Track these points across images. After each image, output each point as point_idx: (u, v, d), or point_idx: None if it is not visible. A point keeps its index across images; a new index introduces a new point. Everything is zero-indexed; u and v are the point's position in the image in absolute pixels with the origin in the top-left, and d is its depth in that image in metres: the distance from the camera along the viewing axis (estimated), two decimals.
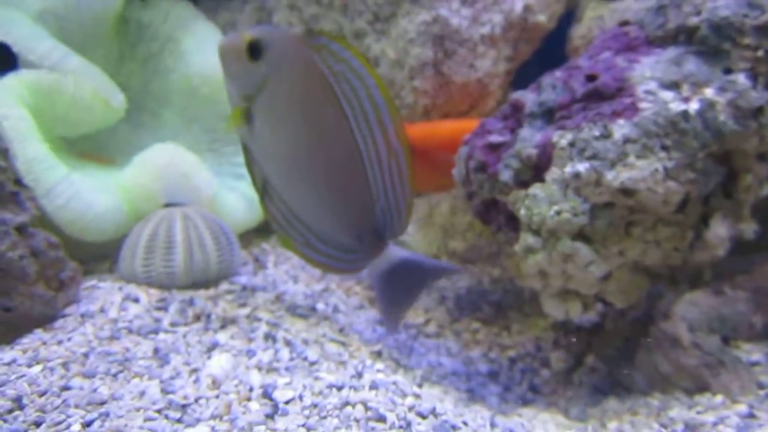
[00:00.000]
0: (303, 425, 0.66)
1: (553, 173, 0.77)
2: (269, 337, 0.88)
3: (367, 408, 0.70)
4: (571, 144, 0.75)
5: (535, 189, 0.78)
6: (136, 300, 0.92)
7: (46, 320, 0.83)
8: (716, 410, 0.73)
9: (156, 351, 0.79)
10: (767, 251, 0.84)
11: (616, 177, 0.72)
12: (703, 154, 0.72)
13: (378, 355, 0.91)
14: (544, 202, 0.77)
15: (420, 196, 1.24)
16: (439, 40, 1.15)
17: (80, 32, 1.17)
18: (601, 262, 0.77)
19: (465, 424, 0.70)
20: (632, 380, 0.84)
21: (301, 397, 0.71)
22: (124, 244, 1.02)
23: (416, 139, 0.95)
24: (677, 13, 0.78)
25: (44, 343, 0.78)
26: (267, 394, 0.72)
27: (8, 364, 0.73)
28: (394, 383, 0.78)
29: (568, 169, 0.75)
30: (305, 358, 0.83)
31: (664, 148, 0.71)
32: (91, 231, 1.01)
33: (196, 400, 0.70)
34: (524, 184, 0.79)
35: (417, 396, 0.76)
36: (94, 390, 0.70)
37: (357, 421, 0.67)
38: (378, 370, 0.83)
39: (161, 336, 0.84)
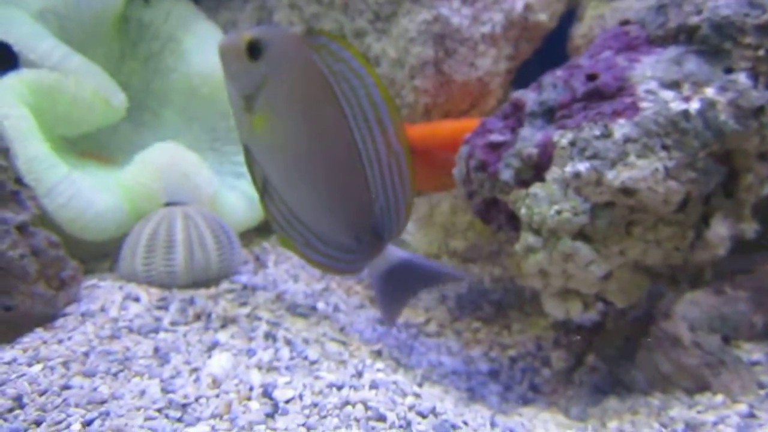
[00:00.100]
0: (303, 425, 0.66)
1: (553, 173, 0.77)
2: (269, 336, 0.88)
3: (367, 407, 0.70)
4: (572, 143, 0.75)
5: (536, 188, 0.78)
6: (137, 299, 0.92)
7: (46, 319, 0.84)
8: (717, 410, 0.73)
9: (156, 350, 0.79)
10: None
11: (616, 176, 0.72)
12: (703, 154, 0.72)
13: (378, 354, 0.91)
14: (544, 202, 0.76)
15: (420, 196, 1.24)
16: (439, 39, 1.14)
17: (81, 31, 1.17)
18: (602, 261, 0.77)
19: (465, 423, 0.70)
20: (633, 380, 0.84)
21: (301, 397, 0.71)
22: (124, 243, 1.02)
23: (417, 138, 0.95)
24: (678, 13, 0.78)
25: (45, 342, 0.78)
26: (267, 394, 0.72)
27: (9, 363, 0.73)
28: (395, 383, 0.78)
29: (569, 168, 0.75)
30: (305, 358, 0.83)
31: (665, 147, 0.71)
32: (91, 230, 1.01)
33: (197, 400, 0.70)
34: (525, 184, 0.79)
35: (417, 395, 0.76)
36: (95, 389, 0.70)
37: (357, 420, 0.67)
38: (378, 370, 0.83)
39: (161, 335, 0.84)
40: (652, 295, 0.84)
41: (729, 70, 0.73)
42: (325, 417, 0.68)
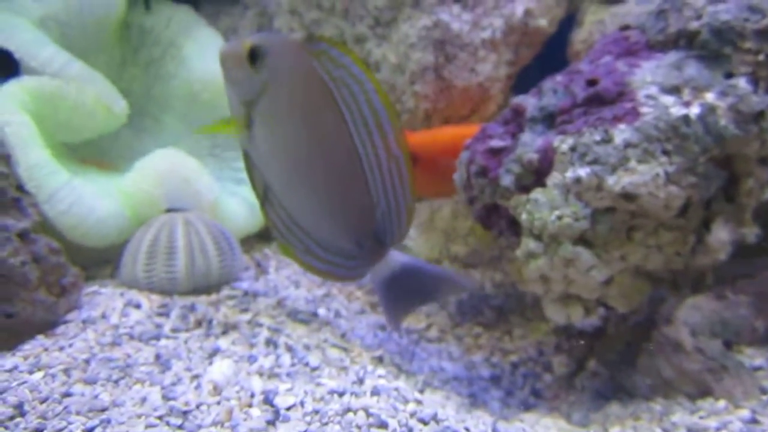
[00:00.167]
0: None
1: (554, 178, 0.77)
2: (271, 342, 0.88)
3: (368, 414, 0.69)
4: (572, 149, 0.75)
5: (537, 194, 0.78)
6: (138, 306, 0.92)
7: (47, 326, 0.84)
8: (719, 415, 0.73)
9: (157, 357, 0.79)
10: None
11: (617, 182, 0.72)
12: (704, 159, 0.72)
13: (379, 360, 0.90)
14: (545, 207, 0.76)
15: (422, 201, 1.24)
16: (440, 44, 1.15)
17: (82, 38, 1.17)
18: (603, 266, 0.77)
19: (467, 430, 0.70)
20: (634, 385, 0.84)
21: (302, 404, 0.71)
22: (125, 250, 1.02)
23: (418, 146, 0.95)
24: (678, 18, 0.78)
25: (46, 350, 0.78)
26: (268, 401, 0.72)
27: (10, 370, 0.73)
28: (396, 389, 0.78)
29: (570, 173, 0.75)
30: (307, 364, 0.83)
31: (666, 152, 0.71)
32: (92, 236, 1.02)
33: (198, 407, 0.70)
34: (525, 189, 0.79)
35: (419, 402, 0.76)
36: (96, 396, 0.70)
37: (359, 427, 0.67)
38: (380, 376, 0.83)
39: (162, 342, 0.84)
40: (654, 300, 0.83)
41: (729, 75, 0.73)
42: (326, 424, 0.67)
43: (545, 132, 0.80)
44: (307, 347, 0.89)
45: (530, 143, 0.80)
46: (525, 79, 1.20)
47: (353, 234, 0.84)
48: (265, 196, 0.85)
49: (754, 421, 0.71)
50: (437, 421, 0.71)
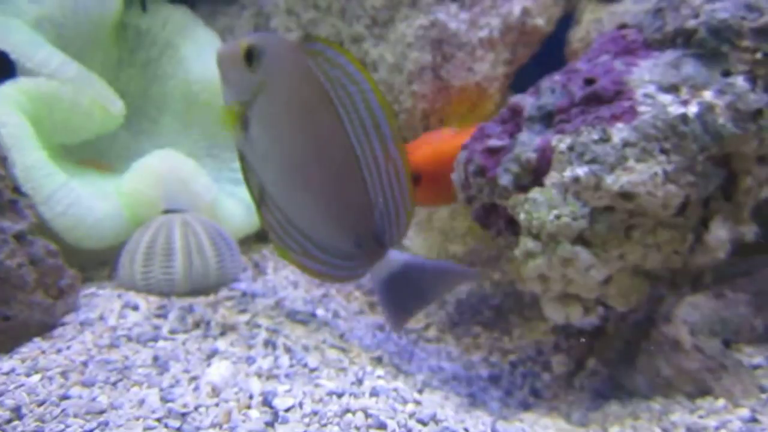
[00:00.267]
0: None
1: (552, 177, 0.76)
2: (269, 343, 0.88)
3: (367, 415, 0.69)
4: (571, 148, 0.75)
5: (535, 193, 0.77)
6: (136, 307, 0.92)
7: (45, 329, 0.83)
8: (718, 414, 0.73)
9: (155, 359, 0.79)
10: None
11: (615, 181, 0.72)
12: (702, 157, 0.72)
13: (378, 360, 0.90)
14: (543, 207, 0.76)
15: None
16: (437, 44, 1.14)
17: (78, 38, 1.17)
18: (601, 265, 0.77)
19: (466, 430, 0.70)
20: (634, 384, 0.84)
21: (301, 405, 0.71)
22: (123, 251, 1.02)
23: (421, 163, 0.94)
24: (675, 16, 0.78)
25: (43, 352, 0.78)
26: (267, 402, 0.71)
27: (7, 373, 0.73)
28: (395, 390, 0.77)
29: (568, 173, 0.75)
30: (305, 365, 0.83)
31: (664, 151, 0.71)
32: (90, 238, 1.01)
33: (196, 409, 0.69)
34: (524, 189, 0.79)
35: (418, 402, 0.76)
36: (93, 399, 0.69)
37: (358, 428, 0.67)
38: (378, 377, 0.83)
39: (160, 344, 0.83)
40: (653, 298, 0.83)
41: (727, 74, 0.73)
42: (325, 425, 0.67)
43: (543, 131, 0.80)
44: (305, 348, 0.89)
45: (528, 143, 0.79)
46: (523, 78, 1.20)
47: (352, 234, 0.84)
48: (261, 198, 0.85)
49: (753, 420, 0.71)
50: (436, 422, 0.71)
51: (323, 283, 1.15)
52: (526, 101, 0.83)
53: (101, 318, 0.88)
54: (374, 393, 0.76)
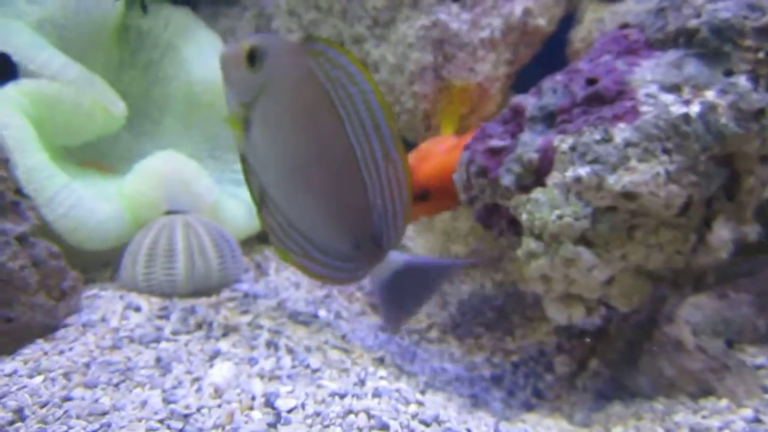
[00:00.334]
0: None
1: (554, 177, 0.76)
2: (271, 344, 0.88)
3: (370, 416, 0.69)
4: (573, 148, 0.75)
5: (537, 193, 0.77)
6: (138, 309, 0.92)
7: (47, 330, 0.83)
8: (721, 414, 0.73)
9: (158, 360, 0.79)
10: None
11: (617, 181, 0.72)
12: (704, 157, 0.71)
13: (381, 361, 0.90)
14: (545, 207, 0.76)
15: None
16: (438, 44, 1.14)
17: (80, 40, 1.17)
18: (604, 266, 0.77)
19: (469, 431, 0.70)
20: (637, 384, 0.83)
21: (303, 406, 0.71)
22: (125, 253, 1.02)
23: (428, 179, 0.93)
24: (677, 16, 0.77)
25: (45, 354, 0.78)
26: (269, 403, 0.71)
27: (9, 375, 0.73)
28: (397, 390, 0.77)
29: (570, 173, 0.74)
30: (307, 366, 0.83)
31: (666, 151, 0.71)
32: (92, 239, 1.01)
33: (199, 410, 0.69)
34: (526, 189, 0.79)
35: (420, 403, 0.75)
36: (96, 400, 0.69)
37: (360, 429, 0.67)
38: (381, 377, 0.83)
39: (163, 345, 0.83)
40: (655, 299, 0.83)
41: (729, 73, 0.73)
42: (327, 426, 0.67)
43: (545, 131, 0.80)
44: (308, 349, 0.88)
45: (530, 143, 0.79)
46: (524, 79, 1.20)
47: (351, 236, 0.83)
48: (261, 200, 0.85)
49: (756, 420, 0.71)
50: (439, 423, 0.71)
51: (325, 284, 1.15)
52: (528, 101, 0.83)
53: (103, 319, 0.88)
54: (377, 394, 0.76)
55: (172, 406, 0.69)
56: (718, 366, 0.77)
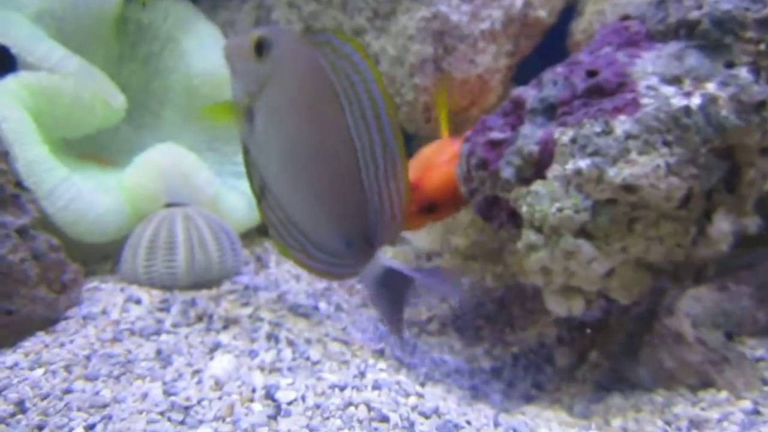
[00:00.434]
0: (306, 426, 0.66)
1: (554, 170, 0.76)
2: (272, 337, 0.88)
3: (370, 408, 0.69)
4: (573, 140, 0.75)
5: (537, 186, 0.77)
6: (138, 301, 0.92)
7: (48, 323, 0.84)
8: (721, 406, 0.73)
9: (158, 352, 0.79)
10: None
11: (618, 173, 0.72)
12: (705, 150, 0.71)
13: (380, 353, 0.90)
14: (545, 199, 0.76)
15: None
16: (439, 36, 1.14)
17: (79, 33, 1.17)
18: (604, 258, 0.77)
19: (468, 423, 0.70)
20: (636, 376, 0.84)
21: (303, 398, 0.71)
22: (125, 245, 1.02)
23: (434, 192, 0.93)
24: (678, 7, 0.77)
25: (46, 346, 0.78)
26: (270, 395, 0.72)
27: (11, 367, 0.73)
28: (397, 383, 0.78)
29: (570, 165, 0.74)
30: (308, 358, 0.83)
31: (666, 143, 0.71)
32: (92, 232, 1.02)
33: (199, 402, 0.70)
34: (526, 181, 0.79)
35: (420, 395, 0.76)
36: (97, 393, 0.70)
37: (360, 421, 0.67)
38: (381, 370, 0.83)
39: (163, 337, 0.84)
40: (655, 291, 0.83)
41: (730, 65, 0.73)
42: (327, 418, 0.67)
43: (546, 124, 0.80)
44: (308, 341, 0.89)
45: (530, 135, 0.79)
46: (525, 71, 1.19)
47: (344, 232, 0.82)
48: (261, 192, 0.85)
49: (755, 412, 0.71)
50: (439, 415, 0.71)
51: (322, 279, 1.15)
52: (529, 93, 0.83)
53: (104, 312, 0.88)
54: (377, 386, 0.76)
55: (173, 398, 0.70)
56: (717, 358, 0.77)
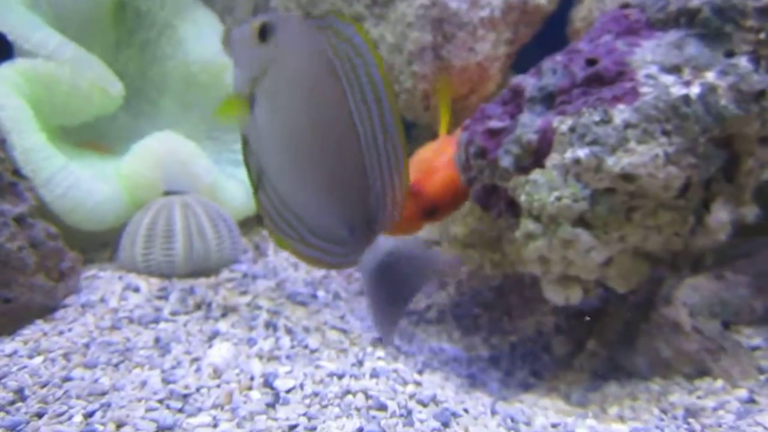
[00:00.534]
0: (304, 414, 0.66)
1: (553, 159, 0.76)
2: (270, 325, 0.88)
3: (367, 396, 0.70)
4: (572, 129, 0.75)
5: (536, 175, 0.77)
6: (137, 289, 0.92)
7: (46, 311, 0.84)
8: (717, 395, 0.73)
9: (157, 340, 0.79)
10: None
11: (616, 162, 0.71)
12: (704, 139, 0.71)
13: (379, 342, 0.91)
14: (544, 188, 0.76)
15: None
16: (438, 23, 1.13)
17: (76, 19, 1.16)
18: (602, 247, 0.77)
19: (466, 411, 0.70)
20: (633, 365, 0.84)
21: (302, 386, 0.72)
22: (123, 233, 1.02)
23: (437, 195, 0.93)
24: None
25: (45, 334, 0.79)
26: (268, 383, 0.72)
27: (9, 355, 0.73)
28: (395, 371, 0.78)
29: (569, 154, 0.74)
30: (306, 346, 0.83)
31: (665, 133, 0.71)
32: (90, 220, 1.01)
33: (198, 390, 0.70)
34: (524, 170, 0.79)
35: (418, 384, 0.76)
36: (96, 380, 0.70)
37: (358, 409, 0.67)
38: (379, 358, 0.83)
39: (162, 325, 0.84)
40: (653, 280, 0.83)
41: (730, 54, 0.72)
42: (326, 406, 0.68)
43: (544, 112, 0.80)
44: (306, 329, 0.89)
45: (529, 124, 0.79)
46: (524, 59, 1.19)
47: (346, 218, 0.81)
48: (258, 180, 0.84)
49: (751, 400, 0.71)
50: (436, 403, 0.71)
51: (317, 268, 1.15)
52: (528, 82, 0.83)
53: (102, 300, 0.88)
54: (374, 374, 0.76)
55: (172, 386, 0.70)
56: (714, 347, 0.77)
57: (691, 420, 0.70)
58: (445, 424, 0.67)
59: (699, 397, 0.73)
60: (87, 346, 0.76)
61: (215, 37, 1.27)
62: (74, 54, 1.05)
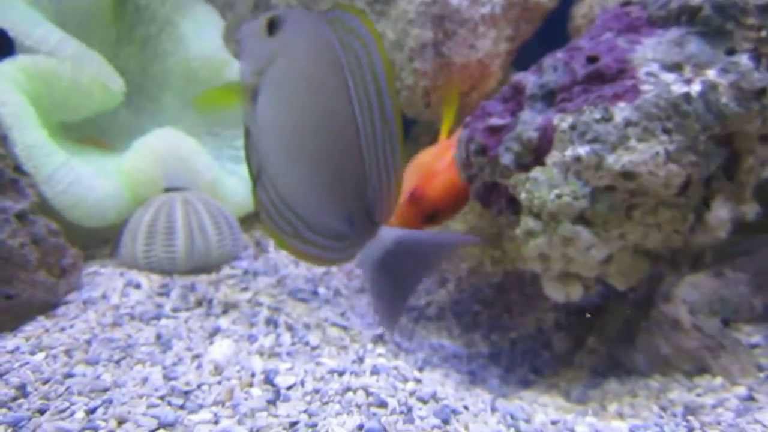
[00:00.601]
0: (305, 411, 0.66)
1: (553, 156, 0.76)
2: (271, 321, 0.88)
3: (368, 393, 0.70)
4: (572, 127, 0.75)
5: (536, 172, 0.77)
6: (138, 286, 0.93)
7: (48, 307, 0.84)
8: (716, 392, 0.74)
9: (158, 337, 0.80)
10: None
11: (617, 160, 0.72)
12: (704, 137, 0.71)
13: (379, 339, 0.91)
14: (544, 186, 0.76)
15: None
16: (438, 20, 1.13)
17: (76, 15, 1.16)
18: (602, 245, 0.77)
19: (466, 408, 0.71)
20: (633, 362, 0.84)
21: (302, 383, 0.72)
22: (124, 230, 1.02)
23: (438, 200, 0.93)
24: None
25: (47, 331, 0.79)
26: (269, 380, 0.72)
27: (11, 351, 0.73)
28: (396, 368, 0.78)
29: (569, 152, 0.74)
30: (307, 343, 0.84)
31: (666, 130, 0.71)
32: (91, 216, 1.02)
33: (199, 387, 0.70)
34: (525, 168, 0.79)
35: (418, 381, 0.76)
36: (97, 377, 0.70)
37: (358, 406, 0.67)
38: (379, 355, 0.83)
39: (163, 322, 0.84)
40: (653, 277, 0.84)
41: (731, 52, 0.72)
42: (326, 403, 0.68)
43: (545, 110, 0.80)
44: (307, 326, 0.89)
45: (530, 121, 0.79)
46: (525, 56, 1.19)
47: (347, 211, 0.81)
48: (258, 175, 0.84)
49: (750, 398, 0.71)
50: (436, 400, 0.71)
51: (315, 265, 1.15)
52: (528, 79, 0.83)
53: (104, 296, 0.88)
54: (375, 371, 0.76)
55: (173, 382, 0.70)
56: (713, 344, 0.78)
57: (690, 417, 0.70)
58: (445, 421, 0.67)
59: (698, 395, 0.74)
60: (89, 342, 0.76)
61: (216, 34, 1.27)
62: (75, 50, 1.05)
